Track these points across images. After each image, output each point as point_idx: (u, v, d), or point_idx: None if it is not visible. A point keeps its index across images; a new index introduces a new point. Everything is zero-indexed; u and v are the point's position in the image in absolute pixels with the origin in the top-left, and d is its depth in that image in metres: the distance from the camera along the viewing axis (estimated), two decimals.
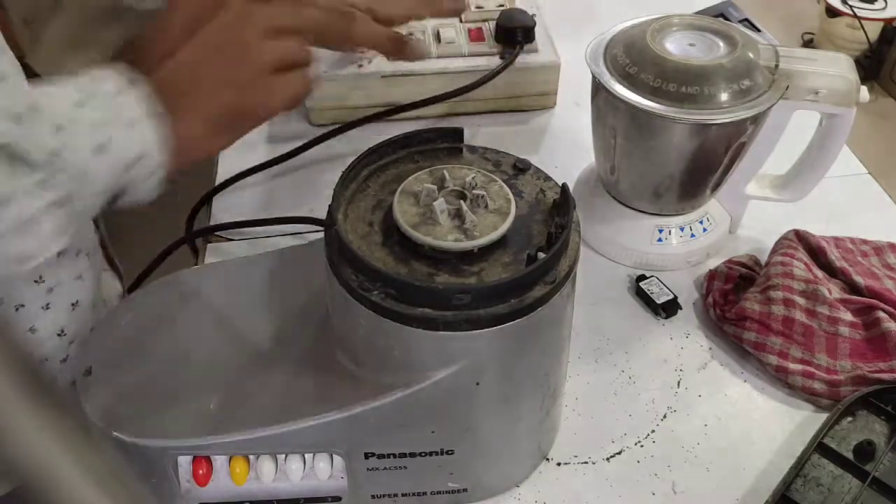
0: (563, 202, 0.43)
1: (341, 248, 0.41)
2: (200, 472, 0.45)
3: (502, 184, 0.44)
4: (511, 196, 0.43)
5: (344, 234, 0.40)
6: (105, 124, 0.41)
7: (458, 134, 0.48)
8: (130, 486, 0.22)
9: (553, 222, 0.43)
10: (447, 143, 0.48)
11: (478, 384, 0.42)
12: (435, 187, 0.43)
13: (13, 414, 0.20)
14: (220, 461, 0.45)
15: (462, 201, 0.43)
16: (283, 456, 0.46)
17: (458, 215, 0.42)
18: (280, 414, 0.43)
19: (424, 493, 0.49)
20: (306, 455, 0.46)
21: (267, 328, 0.48)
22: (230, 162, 0.77)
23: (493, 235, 0.41)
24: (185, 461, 0.45)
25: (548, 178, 0.47)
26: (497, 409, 0.45)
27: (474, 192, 0.43)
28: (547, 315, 0.41)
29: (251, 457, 0.46)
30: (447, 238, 0.40)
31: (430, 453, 0.45)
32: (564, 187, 0.43)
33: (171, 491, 0.45)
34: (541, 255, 0.40)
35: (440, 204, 0.42)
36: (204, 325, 0.49)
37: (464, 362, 0.40)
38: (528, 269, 0.39)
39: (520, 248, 0.42)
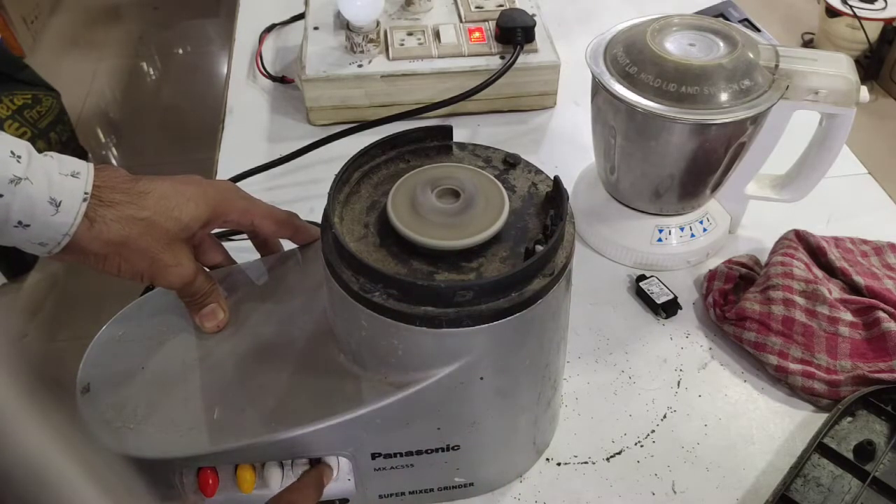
0: (557, 194, 0.43)
1: (340, 251, 0.41)
2: (207, 482, 0.44)
3: (494, 179, 0.44)
4: (503, 191, 0.43)
5: (341, 237, 0.40)
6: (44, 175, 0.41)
7: (447, 132, 0.48)
8: (130, 485, 0.22)
9: (547, 215, 0.43)
10: (436, 142, 0.48)
11: (482, 379, 0.42)
12: (428, 186, 0.43)
13: (13, 414, 0.20)
14: (226, 470, 0.45)
15: (455, 199, 0.43)
16: (290, 461, 0.46)
17: (452, 213, 0.42)
18: (285, 419, 0.43)
19: (431, 490, 0.49)
20: (313, 459, 0.46)
21: (266, 332, 0.48)
22: (230, 162, 0.77)
23: (490, 232, 0.41)
24: (189, 472, 0.45)
25: (538, 172, 0.47)
26: (501, 402, 0.45)
27: (467, 188, 0.43)
28: (546, 306, 0.41)
29: (257, 464, 0.46)
30: (444, 237, 0.41)
31: (437, 450, 0.45)
32: (557, 180, 0.43)
33: None
34: (538, 247, 0.40)
35: (434, 203, 0.42)
36: (202, 332, 0.49)
37: (467, 358, 0.40)
38: (528, 263, 0.39)
39: (516, 242, 0.42)
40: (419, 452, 0.45)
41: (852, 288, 0.61)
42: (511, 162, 0.47)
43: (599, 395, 0.57)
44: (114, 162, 2.06)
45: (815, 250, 0.64)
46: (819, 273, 0.62)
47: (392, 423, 0.43)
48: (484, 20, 0.84)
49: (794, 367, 0.56)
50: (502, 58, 0.80)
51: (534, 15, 0.83)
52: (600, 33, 0.62)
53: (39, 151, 0.42)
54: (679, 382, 0.58)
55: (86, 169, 0.43)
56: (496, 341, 0.40)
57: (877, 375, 0.54)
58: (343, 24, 0.81)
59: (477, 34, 0.82)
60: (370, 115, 0.80)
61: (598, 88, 0.61)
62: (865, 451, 0.50)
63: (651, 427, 0.55)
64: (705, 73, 0.55)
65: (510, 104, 0.84)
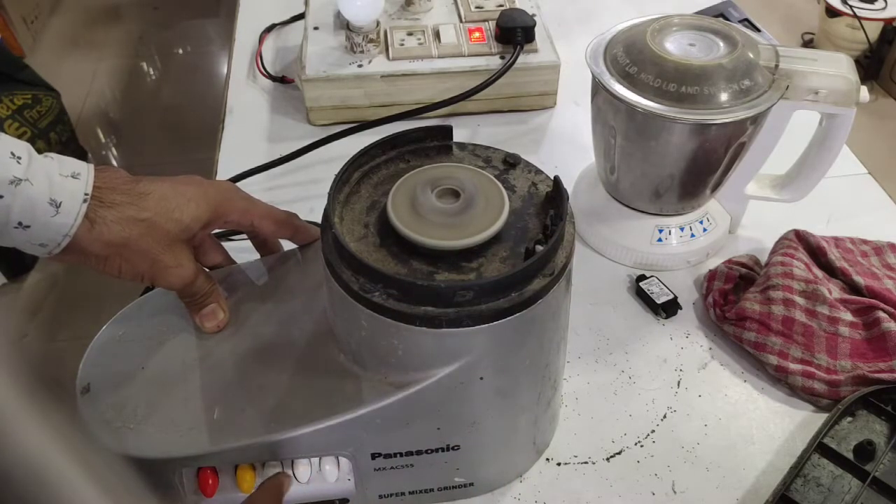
0: (557, 194, 0.43)
1: (340, 251, 0.41)
2: (207, 482, 0.44)
3: (494, 179, 0.44)
4: (503, 191, 0.43)
5: (341, 237, 0.40)
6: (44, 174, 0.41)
7: (447, 132, 0.48)
8: (130, 485, 0.22)
9: (547, 215, 0.43)
10: (436, 142, 0.48)
11: (482, 379, 0.42)
12: (428, 186, 0.43)
13: (13, 414, 0.20)
14: (226, 470, 0.45)
15: (455, 199, 0.43)
16: (290, 461, 0.46)
17: (452, 213, 0.42)
18: (285, 419, 0.43)
19: (431, 490, 0.49)
20: (313, 459, 0.46)
21: (267, 332, 0.48)
22: (230, 162, 0.77)
23: (490, 232, 0.41)
24: (189, 472, 0.45)
25: (538, 172, 0.47)
26: (501, 402, 0.45)
27: (467, 188, 0.43)
28: (546, 307, 0.41)
29: (257, 464, 0.46)
30: (444, 237, 0.41)
31: (437, 450, 0.45)
32: (557, 180, 0.43)
33: None
34: (538, 247, 0.40)
35: (434, 203, 0.42)
36: (202, 333, 0.49)
37: (467, 358, 0.40)
38: (528, 263, 0.39)
39: (516, 242, 0.42)
40: (419, 452, 0.45)
41: (852, 288, 0.61)
42: (511, 162, 0.47)
43: (599, 395, 0.57)
44: (114, 162, 2.06)
45: (815, 250, 0.64)
46: (819, 273, 0.62)
47: (392, 423, 0.43)
48: (484, 20, 0.84)
49: (794, 367, 0.56)
50: (502, 58, 0.80)
51: (534, 15, 0.83)
52: (600, 33, 0.62)
53: (39, 151, 0.42)
54: (679, 382, 0.58)
55: (86, 170, 0.43)
56: (496, 341, 0.40)
57: (877, 375, 0.54)
58: (343, 24, 0.81)
59: (477, 34, 0.82)
60: (370, 115, 0.80)
61: (598, 88, 0.61)
62: (865, 451, 0.50)
63: (651, 427, 0.55)
64: (705, 73, 0.55)
65: (510, 104, 0.84)
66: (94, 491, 0.21)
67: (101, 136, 2.13)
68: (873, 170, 0.78)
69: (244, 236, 0.55)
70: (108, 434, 0.43)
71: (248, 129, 0.83)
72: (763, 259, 0.66)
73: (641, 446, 0.54)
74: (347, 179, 0.46)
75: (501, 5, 0.86)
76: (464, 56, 0.80)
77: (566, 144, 0.81)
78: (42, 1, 2.46)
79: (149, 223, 0.44)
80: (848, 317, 0.58)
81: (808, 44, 1.14)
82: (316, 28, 0.84)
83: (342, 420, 0.42)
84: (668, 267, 0.67)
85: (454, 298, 0.38)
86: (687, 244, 0.66)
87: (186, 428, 0.43)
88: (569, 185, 0.69)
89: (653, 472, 0.53)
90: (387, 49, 0.80)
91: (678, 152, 0.59)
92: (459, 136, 0.49)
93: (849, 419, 0.53)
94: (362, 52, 0.79)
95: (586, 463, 0.53)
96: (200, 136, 1.57)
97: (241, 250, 0.57)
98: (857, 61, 1.09)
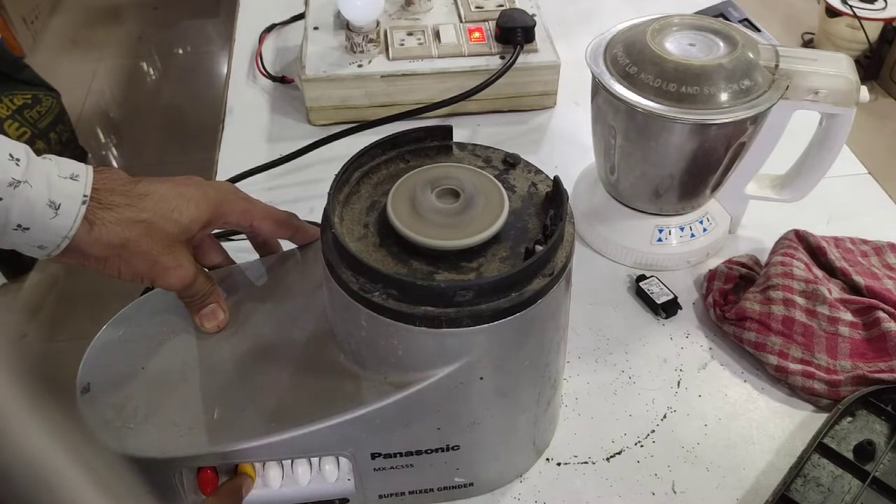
0: (556, 194, 0.44)
1: (340, 251, 0.41)
2: (207, 482, 0.44)
3: (494, 179, 0.44)
4: (503, 191, 0.43)
5: (341, 237, 0.40)
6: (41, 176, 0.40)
7: (447, 132, 0.48)
8: (130, 485, 0.22)
9: (547, 215, 0.43)
10: (436, 142, 0.48)
11: (482, 379, 0.42)
12: (428, 186, 0.43)
13: (13, 414, 0.20)
14: (225, 470, 0.45)
15: (455, 199, 0.43)
16: (290, 461, 0.46)
17: (452, 213, 0.42)
18: (285, 419, 0.43)
19: (431, 490, 0.49)
20: (313, 459, 0.46)
21: (266, 332, 0.48)
22: (230, 162, 0.77)
23: (490, 231, 0.41)
24: (189, 472, 0.45)
25: (538, 172, 0.47)
26: (501, 402, 0.45)
27: (467, 188, 0.43)
28: (546, 306, 0.41)
29: (257, 464, 0.46)
30: (444, 237, 0.41)
31: (437, 450, 0.45)
32: (557, 180, 0.44)
33: None
34: (538, 247, 0.40)
35: (434, 203, 0.42)
36: (203, 332, 0.49)
37: (467, 358, 0.40)
38: (528, 263, 0.39)
39: (516, 242, 0.42)
40: (419, 452, 0.45)
41: (852, 288, 0.61)
42: (511, 162, 0.47)
43: (599, 395, 0.57)
44: (114, 162, 2.06)
45: (815, 250, 0.64)
46: (819, 273, 0.62)
47: (392, 423, 0.43)
48: (484, 20, 0.84)
49: (794, 367, 0.56)
50: (502, 58, 0.80)
51: (534, 15, 0.83)
52: (600, 33, 0.62)
53: (39, 152, 0.42)
54: (679, 382, 0.58)
55: (85, 171, 0.43)
56: (496, 341, 0.40)
57: (877, 375, 0.54)
58: (343, 24, 0.81)
59: (477, 34, 0.82)
60: (370, 115, 0.80)
61: (598, 88, 0.61)
62: (865, 451, 0.50)
63: (651, 427, 0.55)
64: (705, 73, 0.55)
65: (510, 104, 0.84)
66: (94, 491, 0.21)
67: (101, 136, 2.13)
68: (873, 170, 0.78)
69: (244, 236, 0.55)
70: (108, 434, 0.43)
71: (248, 129, 0.83)
72: (763, 259, 0.66)
73: (641, 446, 0.54)
74: (347, 179, 0.46)
75: (501, 5, 0.86)
76: (464, 56, 0.80)
77: (566, 144, 0.81)
78: (42, 1, 2.46)
79: (148, 224, 0.44)
80: (848, 317, 0.58)
81: (808, 44, 1.14)
82: (316, 28, 0.84)
83: (342, 420, 0.42)
84: (668, 267, 0.67)
85: (454, 298, 0.38)
86: (687, 244, 0.66)
87: (186, 428, 0.43)
88: (569, 185, 0.69)
89: (653, 472, 0.53)
90: (387, 49, 0.80)
91: (678, 152, 0.59)
92: (459, 136, 0.49)
93: (849, 419, 0.53)
94: (362, 52, 0.79)
95: (586, 463, 0.53)
96: (200, 136, 1.57)
97: (241, 250, 0.57)
98: (857, 61, 1.09)
